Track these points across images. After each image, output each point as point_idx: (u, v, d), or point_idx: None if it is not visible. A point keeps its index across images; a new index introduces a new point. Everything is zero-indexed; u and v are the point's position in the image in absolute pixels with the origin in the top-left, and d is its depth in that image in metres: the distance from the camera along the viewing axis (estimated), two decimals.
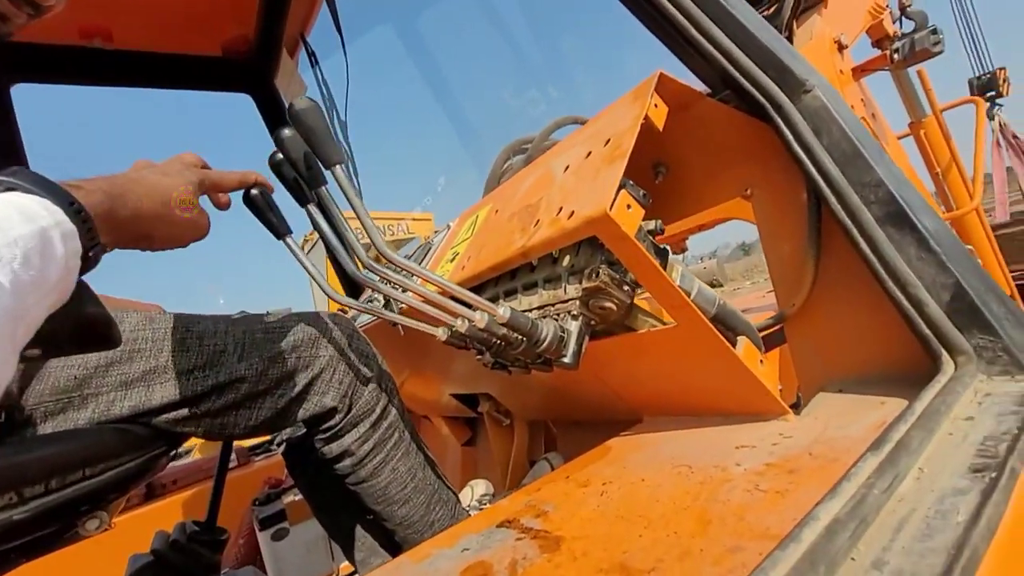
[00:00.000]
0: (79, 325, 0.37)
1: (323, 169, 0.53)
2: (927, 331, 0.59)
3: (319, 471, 0.88)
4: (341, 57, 1.95)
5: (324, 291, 0.66)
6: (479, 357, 0.75)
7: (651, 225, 0.68)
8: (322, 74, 1.81)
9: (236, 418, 0.67)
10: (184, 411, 0.62)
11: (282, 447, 1.03)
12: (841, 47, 2.24)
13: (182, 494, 1.77)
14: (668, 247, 0.67)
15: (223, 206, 0.59)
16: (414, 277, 0.59)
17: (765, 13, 2.73)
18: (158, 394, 0.60)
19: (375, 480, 0.80)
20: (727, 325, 0.75)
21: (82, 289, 0.37)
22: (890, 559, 0.33)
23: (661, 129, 0.68)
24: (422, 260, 1.22)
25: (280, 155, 0.54)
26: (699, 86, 0.83)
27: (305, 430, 0.81)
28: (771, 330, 0.84)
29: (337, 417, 0.75)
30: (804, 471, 0.52)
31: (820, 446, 0.57)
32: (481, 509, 1.08)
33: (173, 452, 0.73)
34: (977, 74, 3.65)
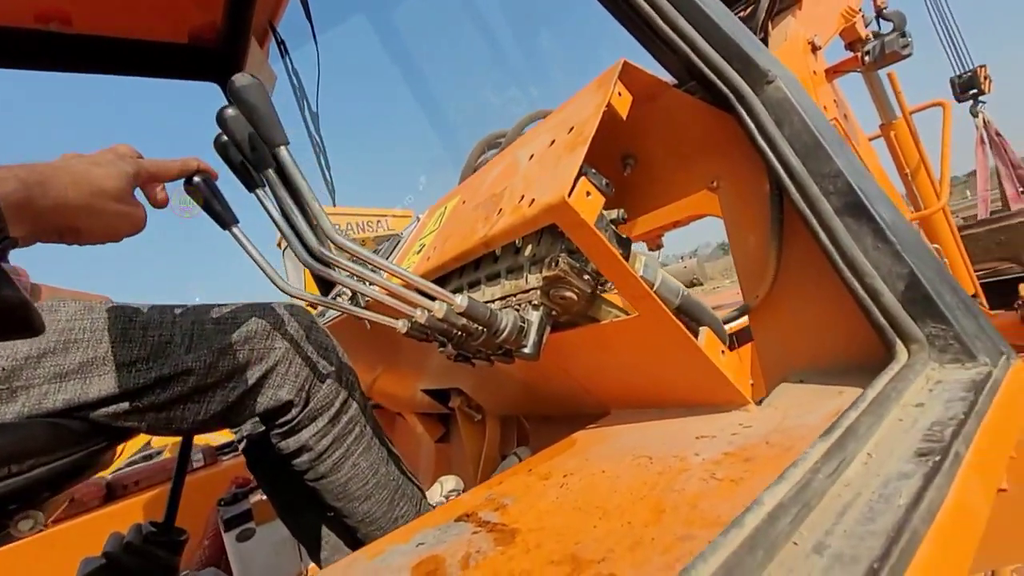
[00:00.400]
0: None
1: (269, 151, 0.51)
2: (883, 320, 0.60)
3: (280, 468, 0.85)
4: (314, 48, 1.91)
5: (276, 285, 0.64)
6: (442, 349, 0.73)
7: (613, 214, 0.67)
8: (292, 64, 1.77)
9: (184, 412, 0.64)
10: (125, 404, 0.59)
11: (243, 444, 0.99)
12: (814, 48, 2.28)
13: (144, 495, 1.71)
14: (630, 237, 0.67)
15: (160, 203, 0.55)
16: (370, 266, 0.57)
17: (741, 14, 2.76)
18: (96, 387, 0.57)
19: (335, 476, 0.77)
20: (691, 316, 0.75)
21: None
22: (832, 542, 0.32)
23: (625, 117, 0.68)
24: (391, 253, 1.19)
25: (225, 136, 0.51)
26: (667, 78, 0.83)
27: (263, 426, 0.78)
28: (736, 322, 0.85)
29: (294, 411, 0.73)
30: (760, 459, 0.52)
31: (777, 435, 0.57)
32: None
33: (120, 447, 0.69)
34: (958, 72, 3.75)
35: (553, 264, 0.60)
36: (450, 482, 1.22)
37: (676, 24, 0.72)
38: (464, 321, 0.61)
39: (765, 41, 2.53)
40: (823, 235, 0.64)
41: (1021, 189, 3.79)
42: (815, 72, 2.17)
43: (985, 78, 3.43)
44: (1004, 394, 0.51)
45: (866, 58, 2.45)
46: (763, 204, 0.77)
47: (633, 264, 0.69)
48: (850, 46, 2.60)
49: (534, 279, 0.65)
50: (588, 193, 0.58)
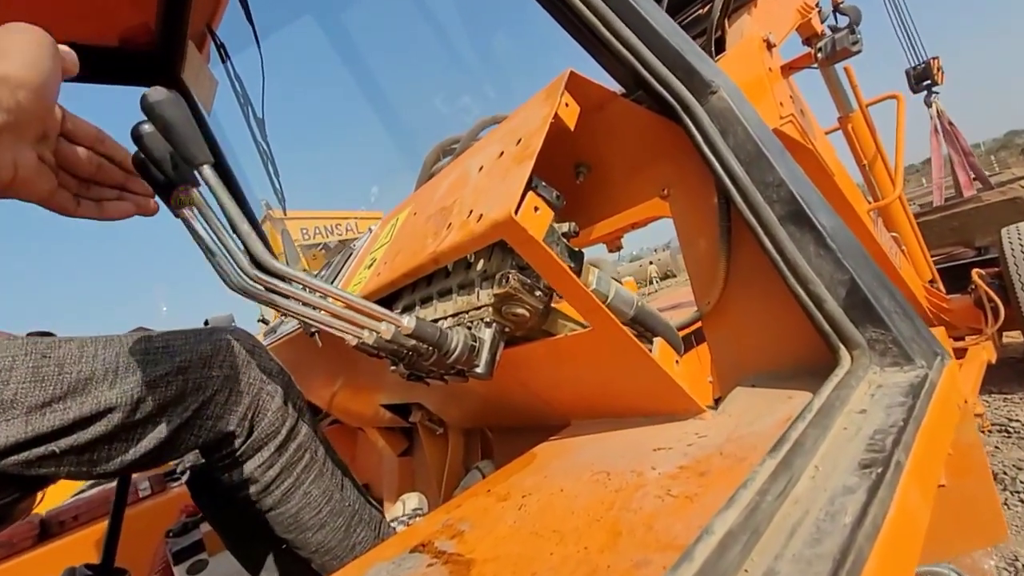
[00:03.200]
0: None
1: (191, 171, 0.47)
2: (827, 327, 0.61)
3: (226, 500, 0.80)
4: (263, 52, 1.83)
5: (227, 284, 0.57)
6: (393, 368, 0.71)
7: (565, 227, 0.66)
8: (234, 69, 1.68)
9: (110, 452, 0.59)
10: (39, 450, 0.54)
11: (186, 475, 0.93)
12: (770, 45, 2.36)
13: (85, 530, 1.59)
14: (583, 250, 0.66)
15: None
16: (308, 289, 0.54)
17: (698, 12, 2.83)
18: (3, 434, 0.51)
19: (285, 507, 0.73)
20: (646, 326, 0.75)
21: None
22: (781, 568, 0.32)
23: (572, 128, 0.67)
24: (343, 265, 1.15)
25: (143, 155, 0.47)
26: (616, 87, 0.83)
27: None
28: (690, 328, 0.85)
29: (236, 442, 0.69)
30: (713, 473, 0.52)
31: (731, 445, 0.57)
32: (410, 524, 1.03)
33: (39, 497, 0.64)
34: (913, 65, 3.95)
35: (503, 281, 0.58)
36: (413, 500, 1.19)
37: (621, 34, 0.72)
38: (413, 342, 0.59)
39: (722, 39, 2.60)
40: (768, 243, 0.65)
41: (973, 176, 4.03)
42: (771, 69, 2.24)
43: (938, 69, 3.62)
44: (939, 395, 0.53)
45: (819, 55, 2.56)
46: (712, 211, 0.78)
47: (586, 277, 0.68)
48: (807, 41, 2.70)
49: (485, 296, 0.63)
50: (536, 208, 0.57)
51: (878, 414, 0.49)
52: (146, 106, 0.43)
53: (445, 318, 0.69)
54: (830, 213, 0.65)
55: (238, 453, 0.69)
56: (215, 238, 0.50)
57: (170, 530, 1.48)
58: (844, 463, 0.42)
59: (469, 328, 0.63)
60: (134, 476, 1.90)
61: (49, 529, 1.61)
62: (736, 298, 0.78)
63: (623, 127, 0.84)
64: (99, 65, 1.81)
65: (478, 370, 0.61)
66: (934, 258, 3.03)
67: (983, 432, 2.14)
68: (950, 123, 4.04)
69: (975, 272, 2.45)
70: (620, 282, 1.01)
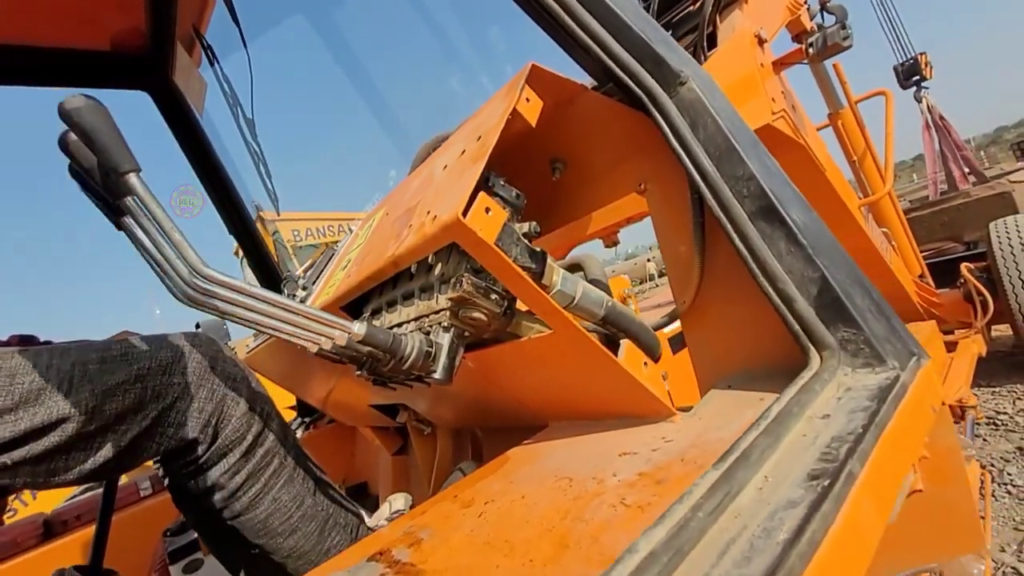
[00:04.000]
0: None
1: (118, 179, 0.46)
2: (796, 326, 0.59)
3: (201, 505, 0.80)
4: (255, 51, 1.82)
5: (171, 293, 0.56)
6: (358, 373, 0.70)
7: (525, 227, 0.64)
8: (222, 71, 1.68)
9: (67, 462, 0.59)
10: None
11: (167, 480, 0.94)
12: (761, 41, 2.30)
13: (87, 530, 1.61)
14: (544, 250, 0.64)
15: None
16: (252, 297, 0.53)
17: (689, 8, 2.78)
18: None
19: (253, 513, 0.73)
20: (618, 327, 0.73)
21: None
22: None
23: (534, 124, 0.65)
24: (324, 267, 1.15)
25: (75, 165, 0.46)
26: (588, 79, 0.81)
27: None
28: (665, 328, 0.83)
29: (200, 449, 0.68)
30: (671, 481, 0.50)
31: (694, 450, 0.55)
32: None
33: (7, 504, 0.64)
34: (901, 61, 3.87)
35: (457, 284, 0.57)
36: (399, 501, 1.18)
37: (588, 26, 0.69)
38: (368, 348, 0.58)
39: (713, 35, 2.55)
40: (737, 240, 0.62)
41: (967, 170, 3.94)
42: (762, 64, 2.19)
43: (926, 64, 3.55)
44: (910, 398, 0.51)
45: (810, 50, 2.51)
46: (687, 207, 0.75)
47: (551, 278, 0.66)
48: (796, 38, 2.65)
49: (443, 299, 0.62)
50: (488, 209, 0.55)
51: (840, 419, 0.47)
52: (63, 114, 0.42)
53: (408, 322, 0.68)
54: (803, 209, 0.63)
55: (202, 460, 0.69)
56: (155, 248, 0.49)
57: (167, 529, 1.50)
58: (794, 474, 0.40)
59: (427, 333, 0.62)
60: (136, 475, 1.93)
61: (52, 529, 1.63)
62: (712, 297, 0.76)
63: (596, 121, 0.81)
64: (91, 70, 1.83)
65: (436, 375, 0.59)
66: (924, 253, 2.97)
67: (976, 423, 2.10)
68: (941, 117, 3.95)
69: (964, 266, 2.40)
70: (606, 281, 0.99)
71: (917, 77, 3.58)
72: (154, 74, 1.82)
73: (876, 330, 0.56)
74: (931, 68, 3.55)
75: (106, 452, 0.61)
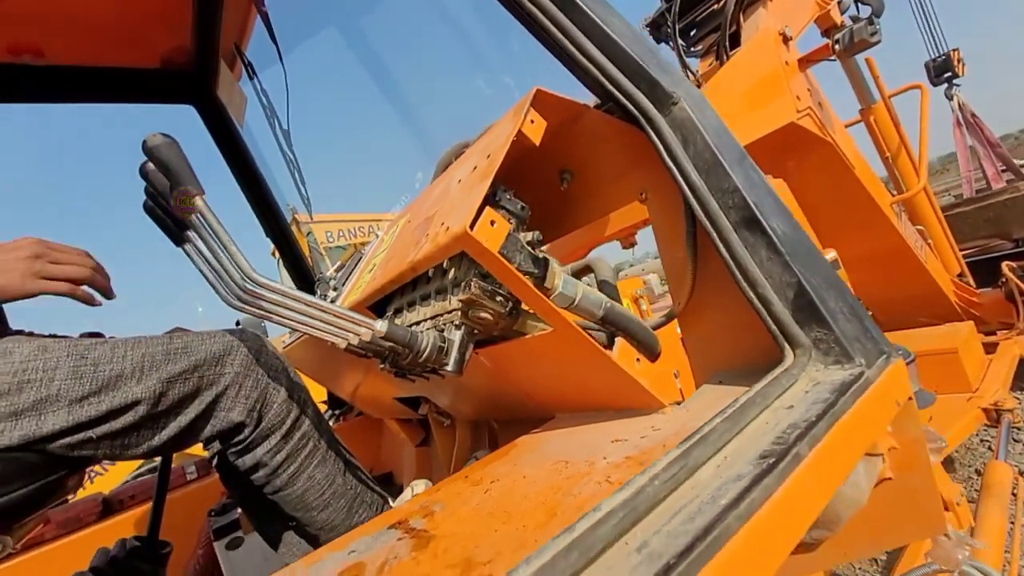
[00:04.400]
0: None
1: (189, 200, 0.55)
2: (773, 327, 0.64)
3: (246, 483, 0.91)
4: (291, 63, 1.94)
5: (223, 299, 0.67)
6: (381, 367, 0.78)
7: (529, 236, 0.71)
8: (260, 84, 1.81)
9: (137, 439, 0.70)
10: (79, 436, 0.65)
11: (215, 460, 1.05)
12: (786, 39, 2.29)
13: (139, 509, 1.77)
14: (548, 258, 0.71)
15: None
16: (291, 299, 0.62)
17: (712, 7, 2.77)
18: (50, 422, 0.62)
19: (291, 488, 0.83)
20: (616, 326, 0.79)
21: None
22: (653, 542, 0.37)
23: (538, 143, 0.72)
24: (353, 269, 1.24)
25: (151, 190, 0.56)
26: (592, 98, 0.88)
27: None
28: (663, 327, 0.89)
29: (246, 431, 0.78)
30: (651, 463, 0.57)
31: (675, 438, 0.61)
32: None
33: (87, 470, 0.75)
34: (932, 57, 3.77)
35: (466, 288, 0.65)
36: (420, 486, 1.27)
37: (587, 51, 0.76)
38: (389, 344, 0.66)
39: (736, 34, 2.55)
40: (722, 247, 0.68)
41: (1002, 167, 3.81)
42: (787, 63, 2.19)
43: (958, 61, 3.45)
44: (872, 393, 0.56)
45: (836, 46, 2.48)
46: (683, 215, 0.81)
47: (552, 281, 0.73)
48: (826, 33, 2.62)
49: (455, 301, 0.70)
50: (493, 222, 0.63)
51: (800, 409, 0.53)
52: (146, 149, 0.52)
53: (425, 320, 0.76)
54: (783, 218, 0.68)
55: (248, 440, 0.79)
56: (213, 258, 0.59)
57: (212, 509, 1.64)
58: (749, 455, 0.46)
59: (441, 331, 0.70)
60: (182, 460, 2.09)
61: (111, 507, 1.80)
62: (705, 299, 0.81)
63: (598, 136, 0.88)
64: (144, 86, 1.99)
65: (448, 368, 0.67)
66: (967, 251, 2.87)
67: (1014, 427, 2.04)
68: (973, 115, 3.81)
69: (1005, 265, 2.33)
70: (614, 283, 1.05)
71: (949, 74, 3.48)
72: (200, 89, 1.97)
73: (847, 330, 0.61)
74: (963, 65, 3.45)
75: (169, 431, 0.71)
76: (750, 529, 0.38)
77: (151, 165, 0.54)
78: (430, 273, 0.79)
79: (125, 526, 1.71)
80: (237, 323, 1.53)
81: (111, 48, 1.88)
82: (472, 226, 0.60)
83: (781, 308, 0.63)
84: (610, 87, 0.76)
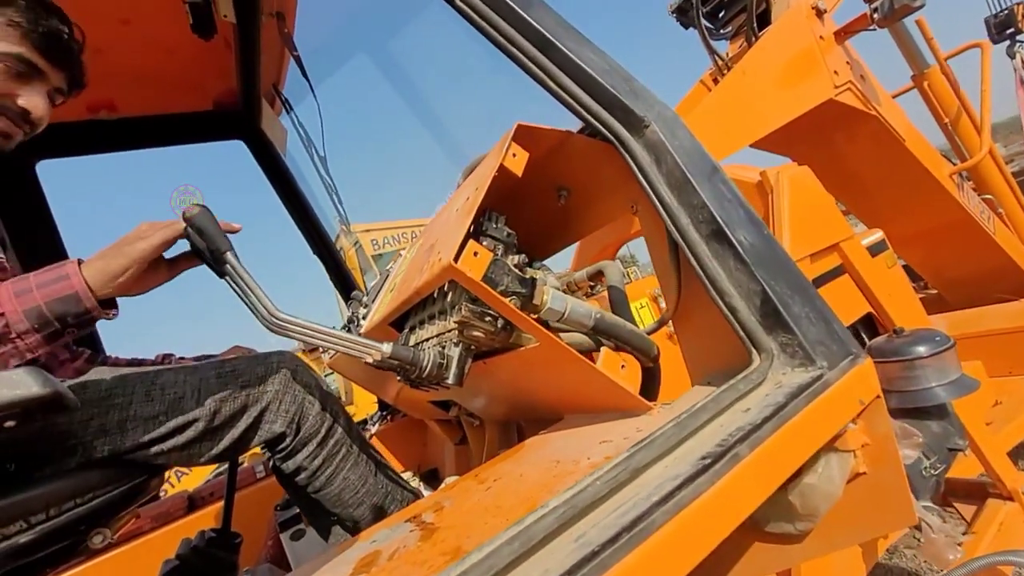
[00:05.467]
0: (38, 402, 0.53)
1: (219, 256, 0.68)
2: (742, 333, 0.69)
3: (295, 483, 1.04)
4: (329, 93, 2.11)
5: (260, 321, 0.79)
6: (398, 379, 0.89)
7: (516, 259, 0.79)
8: (298, 119, 1.98)
9: (200, 449, 0.84)
10: (154, 448, 0.79)
11: (271, 464, 1.20)
12: (820, 12, 2.21)
13: (218, 504, 2.01)
14: (535, 277, 0.78)
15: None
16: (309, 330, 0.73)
17: None
18: (131, 437, 0.77)
19: (329, 488, 0.95)
20: (607, 335, 0.86)
21: (36, 376, 0.53)
22: (590, 533, 0.44)
23: (520, 174, 0.79)
24: (380, 288, 1.36)
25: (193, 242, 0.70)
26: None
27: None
28: (655, 331, 0.94)
29: (288, 440, 0.91)
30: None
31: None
32: None
33: (165, 478, 0.90)
34: (993, 12, 3.46)
35: (458, 311, 0.73)
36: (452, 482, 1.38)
37: (564, 85, 0.82)
38: (396, 361, 0.76)
39: (766, 12, 2.48)
40: (693, 260, 0.73)
41: None
42: (822, 37, 2.11)
43: (1023, 17, 3.14)
44: (831, 393, 0.60)
45: (875, 15, 2.35)
46: None
47: (541, 298, 0.81)
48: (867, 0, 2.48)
49: (452, 321, 0.78)
50: (476, 253, 0.71)
51: (754, 412, 0.58)
52: (185, 219, 0.64)
53: (432, 338, 0.86)
54: (751, 229, 0.72)
55: (290, 448, 0.91)
56: (247, 296, 0.71)
57: (277, 504, 1.83)
58: (691, 456, 0.52)
59: (443, 347, 0.79)
60: (252, 461, 2.33)
61: (195, 503, 2.04)
62: (692, 306, 0.86)
63: (586, 157, 0.94)
64: (200, 128, 2.22)
65: (448, 381, 0.76)
66: None
67: None
68: None
69: None
70: (623, 287, 1.11)
71: (1012, 30, 3.17)
72: (247, 126, 2.18)
73: (810, 334, 0.65)
74: None
75: (225, 442, 0.85)
76: (676, 523, 0.44)
77: (190, 229, 0.67)
78: (435, 295, 0.89)
79: (207, 519, 1.94)
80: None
81: (171, 97, 2.11)
82: (456, 259, 0.69)
83: (748, 315, 0.68)
84: (587, 116, 0.82)
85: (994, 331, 2.15)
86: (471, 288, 0.72)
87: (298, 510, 1.76)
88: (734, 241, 0.70)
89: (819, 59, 2.10)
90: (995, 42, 3.28)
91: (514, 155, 0.80)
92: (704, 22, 2.50)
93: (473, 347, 0.79)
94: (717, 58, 2.44)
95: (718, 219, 0.71)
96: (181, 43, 1.84)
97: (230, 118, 2.23)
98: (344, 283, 2.37)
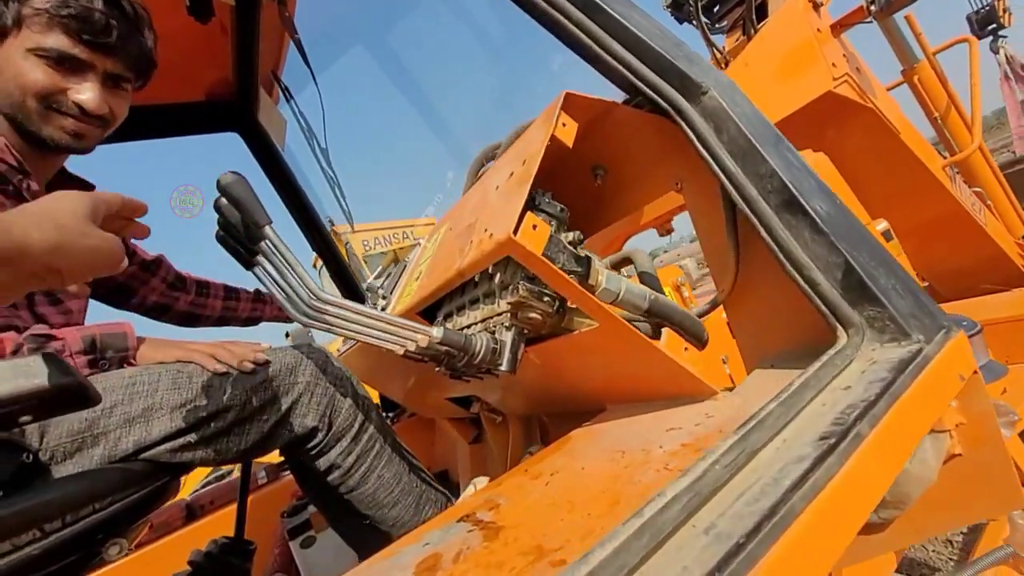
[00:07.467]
0: (58, 394, 0.46)
1: (256, 231, 0.61)
2: (823, 308, 0.64)
3: (322, 484, 0.97)
4: (324, 84, 2.03)
5: (292, 316, 0.72)
6: (437, 369, 0.83)
7: (571, 236, 0.73)
8: (298, 107, 1.90)
9: (227, 444, 0.77)
10: (180, 441, 0.72)
11: (289, 466, 1.13)
12: (816, 5, 2.21)
13: (218, 512, 1.91)
14: (590, 254, 0.73)
15: (142, 234, 0.59)
16: (353, 312, 0.67)
17: None
18: (156, 428, 0.70)
19: (364, 487, 0.89)
20: (662, 317, 0.81)
21: (54, 363, 0.46)
22: (720, 523, 0.39)
23: (571, 145, 0.74)
24: (400, 276, 1.30)
25: (222, 220, 0.62)
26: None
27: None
28: (708, 314, 0.89)
29: (320, 435, 0.84)
30: (710, 448, 0.58)
31: (731, 423, 0.62)
32: None
33: (183, 479, 0.83)
34: (975, 8, 3.52)
35: (515, 291, 0.68)
36: (482, 482, 1.31)
37: (612, 49, 0.77)
38: (445, 348, 0.70)
39: (764, 5, 2.48)
40: (764, 233, 0.68)
41: None
42: (819, 29, 2.11)
43: (1005, 11, 3.21)
44: (933, 369, 0.55)
45: (872, 7, 2.36)
46: (720, 202, 0.81)
47: (596, 278, 0.75)
48: None
49: (504, 304, 0.73)
50: (535, 226, 0.65)
51: (858, 390, 0.53)
52: (220, 186, 0.57)
53: (475, 324, 0.80)
54: (826, 198, 0.68)
55: (322, 444, 0.85)
56: (281, 280, 0.64)
57: (284, 511, 1.74)
58: (807, 436, 0.47)
59: (493, 332, 0.73)
60: (253, 468, 2.23)
61: (193, 512, 1.94)
62: (750, 284, 0.81)
63: (629, 130, 0.89)
64: (192, 119, 2.12)
65: (502, 368, 0.71)
66: None
67: None
68: (1022, 67, 3.52)
69: None
70: (654, 273, 1.06)
71: (994, 25, 3.24)
72: (243, 116, 2.09)
73: (901, 307, 0.60)
74: (1010, 14, 3.20)
75: (253, 436, 0.78)
76: (815, 509, 0.39)
77: (224, 200, 0.60)
78: (476, 278, 0.83)
79: (207, 528, 1.84)
80: (287, 335, 1.63)
81: (161, 87, 2.01)
82: (515, 231, 0.63)
83: (829, 289, 0.63)
84: (638, 83, 0.77)
85: (992, 320, 2.17)
86: (529, 265, 0.66)
87: (307, 517, 1.68)
88: (809, 210, 0.65)
89: (817, 52, 2.10)
90: (979, 38, 3.33)
91: (564, 125, 0.74)
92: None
93: (526, 331, 0.74)
94: (716, 52, 2.43)
95: (790, 187, 0.67)
96: (172, 29, 1.74)
97: (224, 109, 2.14)
98: (347, 282, 2.29)
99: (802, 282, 0.65)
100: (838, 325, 0.63)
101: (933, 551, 2.05)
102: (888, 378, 0.52)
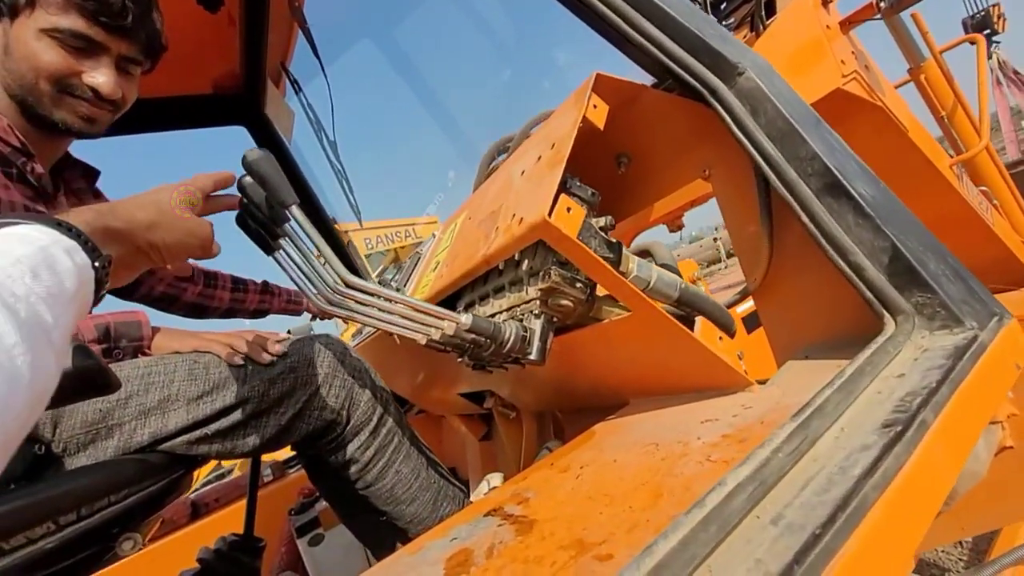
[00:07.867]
0: (76, 378, 0.43)
1: (282, 211, 0.58)
2: (869, 294, 0.62)
3: (337, 480, 0.95)
4: (332, 77, 2.00)
5: (312, 303, 0.69)
6: (460, 360, 0.80)
7: (602, 222, 0.71)
8: (306, 99, 1.88)
9: (244, 436, 0.74)
10: (196, 433, 0.70)
11: (299, 462, 1.10)
12: (826, 2, 2.19)
13: (224, 510, 1.88)
14: (620, 241, 0.71)
15: (234, 206, 0.64)
16: (381, 297, 0.64)
17: None
18: (172, 420, 0.67)
19: (382, 483, 0.86)
20: (692, 306, 0.78)
21: (74, 348, 0.44)
22: (788, 514, 0.37)
23: (602, 128, 0.72)
24: (413, 269, 1.27)
25: (245, 201, 0.60)
26: (648, 78, 0.86)
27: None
28: (737, 305, 0.87)
29: (338, 429, 0.82)
30: (753, 440, 0.56)
31: (773, 414, 0.60)
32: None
33: (196, 472, 0.80)
34: (971, 13, 3.52)
35: (546, 276, 0.65)
36: (495, 479, 1.29)
37: (643, 28, 0.75)
38: (472, 336, 0.67)
39: (771, 2, 2.46)
40: (804, 217, 0.66)
41: None
42: (828, 26, 2.09)
43: (999, 17, 3.20)
44: (989, 357, 0.53)
45: (882, 4, 2.34)
46: (753, 189, 0.79)
47: (626, 266, 0.73)
48: None
49: (533, 290, 0.70)
50: (569, 208, 0.63)
51: (915, 377, 0.50)
52: (246, 163, 0.55)
53: (500, 312, 0.77)
54: (869, 181, 0.65)
55: (340, 438, 0.82)
56: (305, 263, 0.62)
57: (292, 509, 1.72)
58: (868, 424, 0.45)
59: (521, 320, 0.71)
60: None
61: (198, 510, 1.92)
62: (784, 273, 0.79)
63: (658, 115, 0.87)
64: (199, 112, 2.10)
65: (531, 357, 0.68)
66: None
67: None
68: (1015, 72, 3.53)
69: None
70: (675, 265, 1.04)
71: (988, 31, 3.23)
72: (250, 109, 2.06)
73: (952, 293, 0.58)
74: (1004, 20, 3.20)
75: (271, 430, 0.76)
76: (888, 500, 0.37)
77: (248, 179, 0.57)
78: (501, 266, 0.80)
79: (213, 526, 1.81)
80: (288, 331, 1.61)
81: (167, 79, 1.98)
82: (550, 213, 0.60)
83: (876, 274, 0.61)
84: (670, 64, 0.74)
85: None
86: (563, 248, 0.64)
87: (315, 515, 1.66)
88: (853, 194, 0.63)
89: (827, 49, 2.08)
90: (972, 43, 3.32)
91: (595, 106, 0.72)
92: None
93: (555, 319, 0.71)
94: None
95: (833, 170, 0.64)
96: (177, 19, 1.72)
97: (231, 102, 2.11)
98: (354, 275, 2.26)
99: (846, 268, 0.63)
100: (885, 312, 0.60)
101: (943, 551, 2.02)
102: (947, 365, 0.50)
